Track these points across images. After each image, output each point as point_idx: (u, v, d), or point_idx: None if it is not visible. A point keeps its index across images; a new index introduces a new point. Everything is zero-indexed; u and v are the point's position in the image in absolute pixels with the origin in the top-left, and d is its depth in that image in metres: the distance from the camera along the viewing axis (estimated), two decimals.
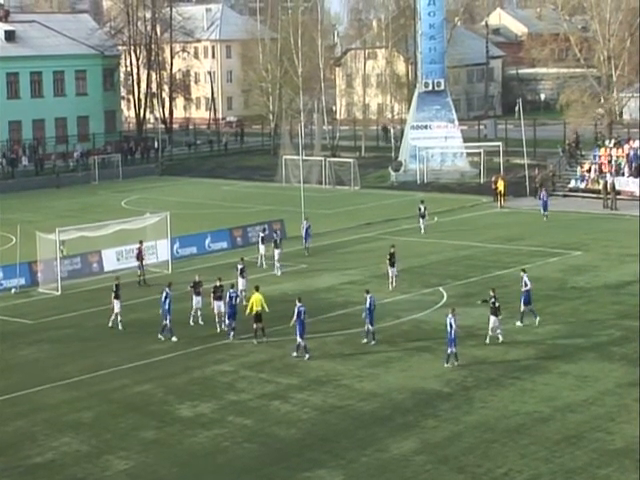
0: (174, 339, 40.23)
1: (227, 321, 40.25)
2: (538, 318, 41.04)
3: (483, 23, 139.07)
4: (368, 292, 39.71)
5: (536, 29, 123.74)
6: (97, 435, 30.93)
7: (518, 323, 40.99)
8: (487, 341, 38.47)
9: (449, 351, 35.99)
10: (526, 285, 41.14)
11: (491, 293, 38.83)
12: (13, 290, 50.08)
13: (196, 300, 42.15)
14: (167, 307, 40.33)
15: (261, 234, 53.70)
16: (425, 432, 30.13)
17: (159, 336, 40.50)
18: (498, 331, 38.46)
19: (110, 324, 42.69)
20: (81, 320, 44.66)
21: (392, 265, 47.38)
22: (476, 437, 29.56)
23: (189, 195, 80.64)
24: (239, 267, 45.90)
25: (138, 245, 50.82)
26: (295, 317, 37.80)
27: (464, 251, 55.89)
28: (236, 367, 37.02)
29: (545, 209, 65.54)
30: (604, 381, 34.15)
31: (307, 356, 37.61)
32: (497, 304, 38.46)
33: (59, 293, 49.32)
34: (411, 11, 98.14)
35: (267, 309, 39.61)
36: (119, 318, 42.56)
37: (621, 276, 48.86)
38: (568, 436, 29.40)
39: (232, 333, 40.03)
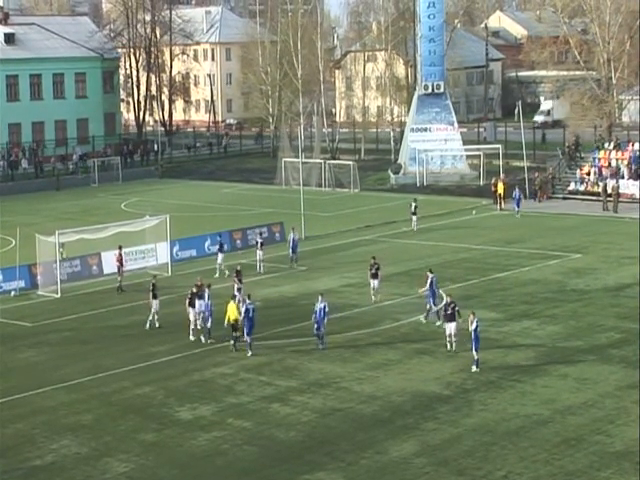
0: (209, 341, 39.97)
1: (246, 336, 38.68)
2: (438, 321, 41.26)
3: (483, 25, 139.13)
4: (322, 295, 39.38)
5: (536, 32, 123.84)
6: (97, 437, 30.93)
7: (421, 319, 42.08)
8: (450, 349, 37.70)
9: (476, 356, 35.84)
10: (431, 285, 41.85)
11: (448, 299, 38.32)
12: (13, 293, 50.05)
13: (199, 303, 41.96)
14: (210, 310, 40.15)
15: (259, 239, 53.53)
16: (425, 435, 30.14)
17: (208, 340, 40.32)
18: (455, 338, 37.64)
19: (148, 325, 42.43)
20: (81, 323, 44.66)
21: (374, 277, 45.40)
22: (476, 440, 29.57)
23: (189, 198, 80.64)
24: (235, 272, 45.60)
25: (117, 251, 50.46)
26: (243, 314, 38.18)
27: (463, 253, 55.89)
28: (236, 370, 37.02)
29: (518, 206, 67.01)
30: (604, 383, 34.16)
31: (249, 353, 38.13)
32: (457, 308, 37.62)
33: (59, 296, 49.30)
34: (411, 14, 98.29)
35: (240, 321, 38.68)
36: (156, 317, 42.47)
37: (620, 278, 48.88)
38: (568, 439, 29.41)
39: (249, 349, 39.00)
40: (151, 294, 42.59)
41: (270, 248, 55.23)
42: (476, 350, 35.69)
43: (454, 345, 37.63)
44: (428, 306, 41.96)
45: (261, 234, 55.16)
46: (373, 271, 45.30)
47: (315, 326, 38.78)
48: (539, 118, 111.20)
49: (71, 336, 42.56)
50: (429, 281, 42.15)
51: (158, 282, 44.07)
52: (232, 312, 38.76)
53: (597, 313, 43.06)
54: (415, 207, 62.22)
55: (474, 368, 35.62)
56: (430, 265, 53.01)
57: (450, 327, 37.70)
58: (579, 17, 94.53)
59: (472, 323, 35.77)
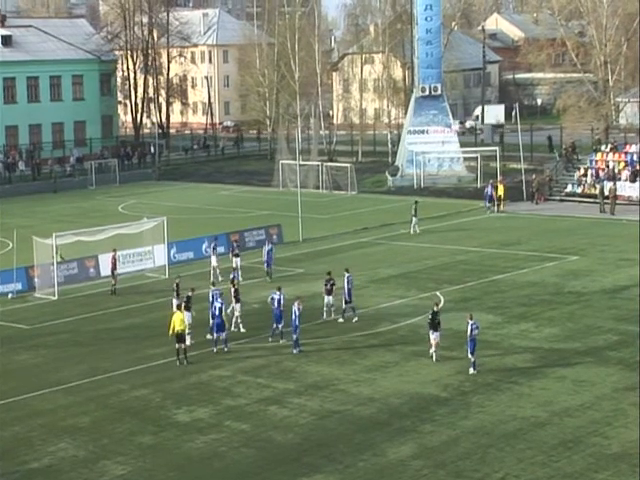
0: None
1: (216, 334, 39.21)
2: (356, 318, 42.68)
3: (480, 28, 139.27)
4: (299, 298, 39.62)
5: (533, 34, 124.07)
6: (94, 440, 30.90)
7: (340, 319, 42.73)
8: (434, 359, 37.38)
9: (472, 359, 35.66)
10: (349, 284, 42.66)
11: (435, 308, 37.73)
12: (10, 295, 50.01)
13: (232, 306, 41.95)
14: (279, 312, 39.85)
15: (212, 244, 52.95)
16: (422, 437, 30.13)
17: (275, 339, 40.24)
18: (435, 348, 37.13)
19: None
20: (78, 325, 44.62)
21: (329, 293, 43.07)
22: (473, 442, 29.56)
23: (186, 200, 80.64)
24: (231, 277, 45.52)
25: (112, 254, 50.32)
26: (217, 313, 38.64)
27: (461, 256, 55.88)
28: (233, 372, 37.00)
29: (490, 201, 68.50)
30: (601, 385, 34.16)
31: (225, 348, 38.93)
32: (438, 319, 37.15)
33: (56, 298, 49.26)
34: (408, 16, 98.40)
35: (187, 331, 38.67)
36: None
37: (618, 280, 48.88)
38: (565, 440, 29.41)
39: (226, 346, 39.27)
40: (175, 293, 42.59)
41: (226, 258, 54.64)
42: (472, 353, 35.68)
43: (434, 356, 37.27)
44: (344, 306, 42.76)
45: (236, 242, 54.75)
46: (328, 287, 43.23)
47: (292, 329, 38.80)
48: (468, 123, 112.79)
49: (68, 338, 42.54)
50: (345, 280, 42.73)
51: (160, 285, 43.97)
52: (178, 322, 38.09)
53: (594, 315, 43.06)
54: (415, 209, 62.19)
55: (471, 370, 35.62)
56: (428, 267, 53.24)
57: (433, 336, 37.25)
58: (576, 19, 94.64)
59: (469, 325, 35.77)
